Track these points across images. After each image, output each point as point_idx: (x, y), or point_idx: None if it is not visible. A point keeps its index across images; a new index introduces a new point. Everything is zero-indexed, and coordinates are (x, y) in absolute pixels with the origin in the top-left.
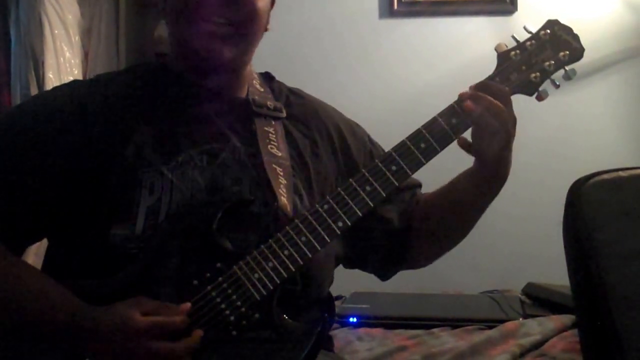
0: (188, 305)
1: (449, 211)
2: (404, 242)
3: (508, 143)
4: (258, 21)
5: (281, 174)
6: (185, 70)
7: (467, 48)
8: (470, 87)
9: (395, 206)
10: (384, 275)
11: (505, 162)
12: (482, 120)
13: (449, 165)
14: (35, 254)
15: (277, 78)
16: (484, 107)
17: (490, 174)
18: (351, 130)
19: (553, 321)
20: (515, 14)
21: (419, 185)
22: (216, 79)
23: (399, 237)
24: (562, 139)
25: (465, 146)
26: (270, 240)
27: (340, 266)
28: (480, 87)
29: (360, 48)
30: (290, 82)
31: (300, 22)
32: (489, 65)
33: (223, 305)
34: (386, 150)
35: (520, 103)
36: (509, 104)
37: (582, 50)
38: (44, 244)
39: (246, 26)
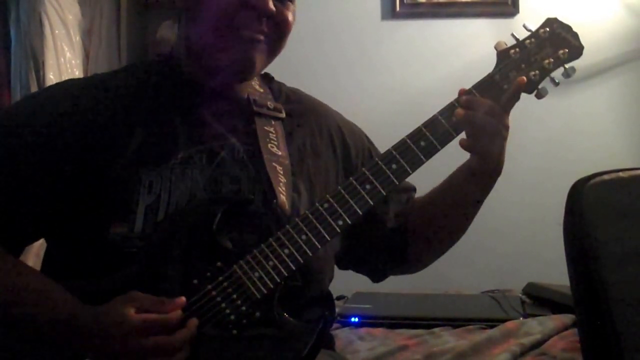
0: (183, 299)
1: (446, 209)
2: (400, 243)
3: (504, 142)
4: (287, 37)
5: (281, 172)
6: (191, 70)
7: (469, 50)
8: (469, 89)
9: (392, 207)
10: (376, 277)
11: (502, 157)
12: (479, 122)
13: (448, 165)
14: (35, 255)
15: (279, 79)
16: (482, 110)
17: (488, 169)
18: (350, 131)
19: (553, 320)
20: (517, 16)
21: (414, 189)
22: (220, 80)
23: (394, 238)
24: (562, 140)
25: (467, 146)
26: (270, 239)
27: None
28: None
29: (362, 49)
30: (291, 82)
31: (302, 23)
32: (490, 67)
33: (223, 304)
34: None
35: (522, 106)
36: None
37: (582, 48)
38: (44, 245)
39: (277, 41)
